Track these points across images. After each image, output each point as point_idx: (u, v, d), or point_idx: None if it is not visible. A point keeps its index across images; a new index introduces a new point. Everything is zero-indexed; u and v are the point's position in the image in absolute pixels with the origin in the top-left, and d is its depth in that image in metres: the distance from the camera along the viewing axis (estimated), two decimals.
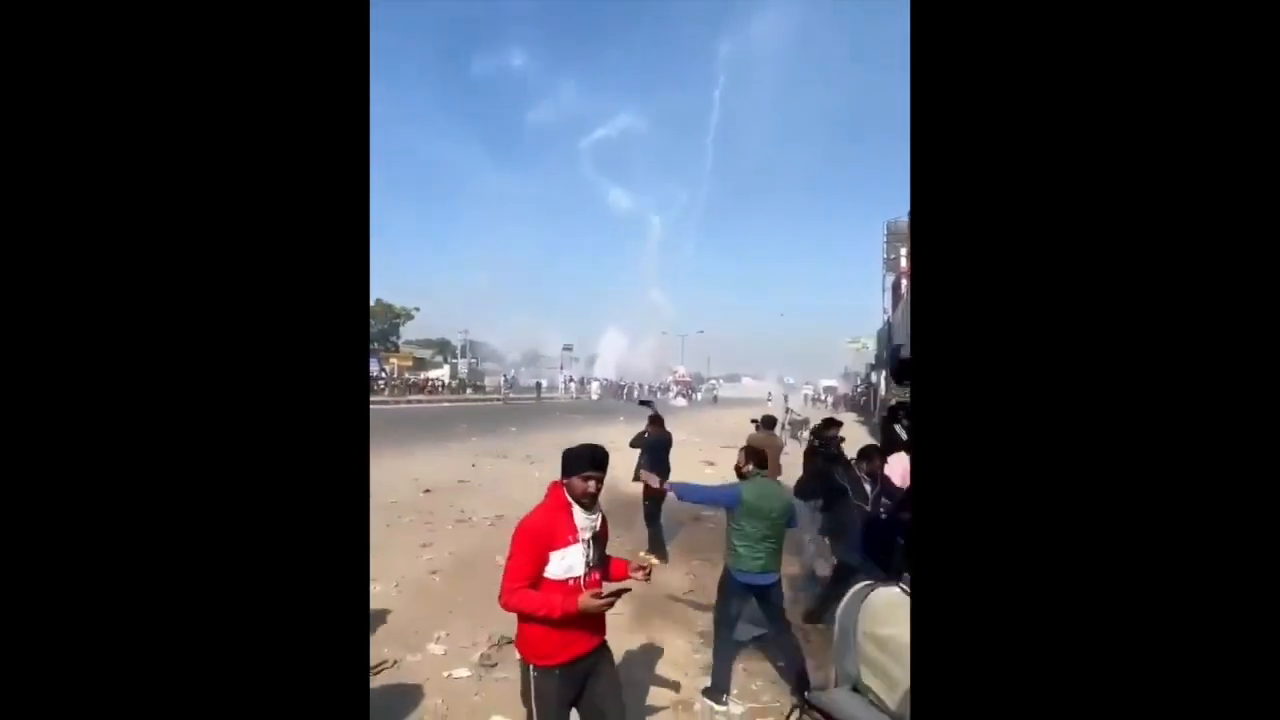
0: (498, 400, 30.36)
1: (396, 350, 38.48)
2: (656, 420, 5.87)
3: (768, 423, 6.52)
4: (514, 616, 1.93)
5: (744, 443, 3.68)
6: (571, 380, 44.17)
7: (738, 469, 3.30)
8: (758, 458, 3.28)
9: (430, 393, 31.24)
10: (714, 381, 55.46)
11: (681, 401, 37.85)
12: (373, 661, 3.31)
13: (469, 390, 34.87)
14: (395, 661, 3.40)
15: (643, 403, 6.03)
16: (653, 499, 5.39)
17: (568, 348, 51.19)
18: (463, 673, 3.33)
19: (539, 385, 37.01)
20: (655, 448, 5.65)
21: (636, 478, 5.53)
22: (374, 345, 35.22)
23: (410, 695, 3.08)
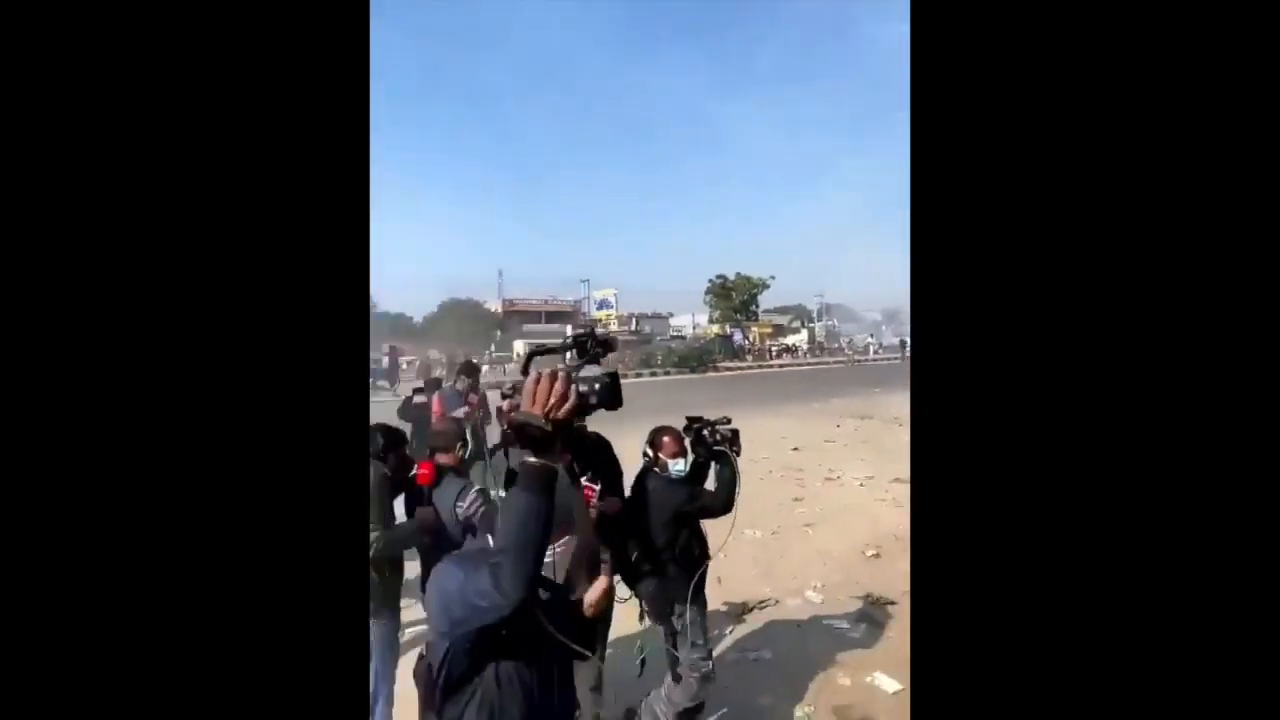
0: (841, 363, 29.48)
1: (756, 319, 40.99)
2: None
3: None
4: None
5: None
6: None
7: None
8: None
9: (779, 356, 32.67)
10: None
11: None
12: (755, 599, 3.74)
13: (820, 353, 35.02)
14: (776, 600, 3.75)
15: None
16: None
17: None
18: (842, 625, 3.45)
19: (903, 344, 34.36)
20: None
21: None
22: (736, 316, 38.36)
23: (793, 633, 3.37)
